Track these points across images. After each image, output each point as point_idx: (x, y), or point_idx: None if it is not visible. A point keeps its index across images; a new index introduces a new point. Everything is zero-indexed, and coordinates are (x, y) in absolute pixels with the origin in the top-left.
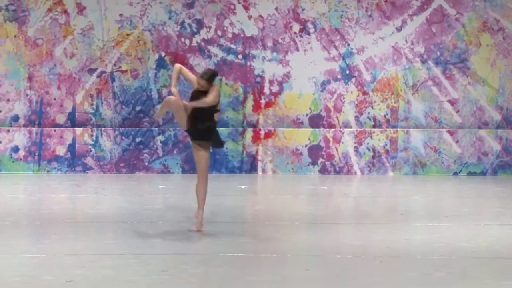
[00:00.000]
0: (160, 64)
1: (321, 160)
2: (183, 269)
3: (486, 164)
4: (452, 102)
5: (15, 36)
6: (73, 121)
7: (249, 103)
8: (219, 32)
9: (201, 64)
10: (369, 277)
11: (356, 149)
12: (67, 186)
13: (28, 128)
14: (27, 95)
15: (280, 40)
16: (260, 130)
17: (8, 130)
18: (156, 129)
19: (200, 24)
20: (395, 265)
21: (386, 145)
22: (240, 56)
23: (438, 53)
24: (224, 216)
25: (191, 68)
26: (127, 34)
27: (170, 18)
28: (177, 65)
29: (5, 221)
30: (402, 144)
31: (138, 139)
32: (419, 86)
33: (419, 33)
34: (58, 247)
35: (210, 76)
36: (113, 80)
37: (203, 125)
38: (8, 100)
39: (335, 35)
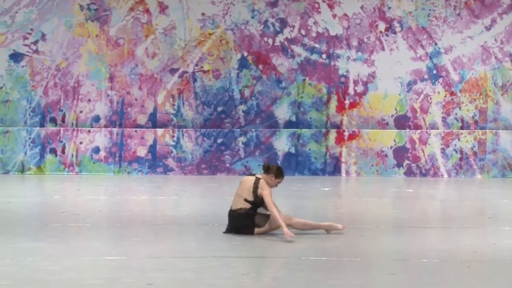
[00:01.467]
0: (243, 64)
1: (406, 162)
2: (264, 273)
3: None
4: None
5: (96, 35)
6: (154, 121)
7: (333, 103)
8: (303, 31)
9: (284, 64)
10: (456, 282)
11: (443, 151)
12: (148, 188)
13: (109, 128)
14: (108, 95)
15: (365, 39)
16: (344, 131)
17: (89, 131)
18: (238, 130)
19: (283, 23)
20: (483, 270)
21: (474, 147)
22: (324, 56)
23: None
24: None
25: (274, 68)
26: (209, 34)
27: (253, 17)
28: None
29: (85, 222)
30: (491, 146)
31: (219, 140)
32: (509, 87)
33: (509, 32)
34: (138, 249)
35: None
36: (194, 80)
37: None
38: (89, 100)
39: (422, 34)
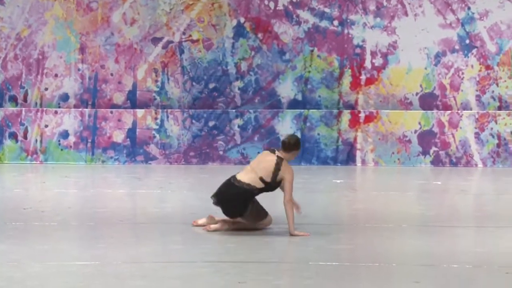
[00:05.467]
0: (239, 32)
1: (434, 149)
2: (265, 280)
3: None
4: None
5: None
6: (133, 101)
7: (347, 79)
8: None
9: (289, 32)
10: None
11: (477, 136)
12: (126, 180)
13: (80, 109)
14: (78, 69)
15: (385, 3)
16: (359, 112)
17: (56, 112)
18: (233, 111)
19: None
20: None
21: None
22: (335, 22)
23: None
24: (316, 217)
25: (276, 37)
26: None
27: None
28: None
29: (52, 221)
30: None
31: (211, 123)
32: None
33: None
34: (115, 253)
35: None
36: (181, 51)
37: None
38: (56, 75)
39: None
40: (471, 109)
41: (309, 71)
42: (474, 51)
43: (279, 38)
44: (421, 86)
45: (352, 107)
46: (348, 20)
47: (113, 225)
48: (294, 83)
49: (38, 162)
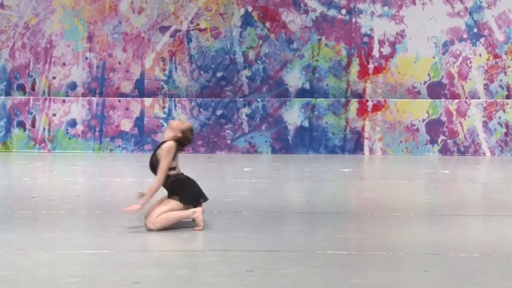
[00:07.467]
0: (247, 21)
1: (442, 137)
2: (273, 269)
3: None
4: None
5: None
6: (141, 90)
7: (354, 68)
8: None
9: (296, 21)
10: (500, 281)
11: (485, 125)
12: (134, 168)
13: (88, 98)
14: (86, 58)
15: None
16: (367, 101)
17: (64, 101)
18: (241, 99)
19: None
20: None
21: None
22: (343, 11)
23: None
24: (323, 206)
25: (284, 26)
26: None
27: None
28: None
29: (60, 209)
30: None
31: (219, 112)
32: None
33: None
34: (123, 241)
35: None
36: (189, 40)
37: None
38: (64, 64)
39: None
40: (479, 98)
41: (316, 60)
42: (482, 40)
43: (287, 27)
44: (429, 75)
45: (360, 96)
46: (356, 9)
47: (121, 214)
48: (302, 72)
49: (46, 151)
